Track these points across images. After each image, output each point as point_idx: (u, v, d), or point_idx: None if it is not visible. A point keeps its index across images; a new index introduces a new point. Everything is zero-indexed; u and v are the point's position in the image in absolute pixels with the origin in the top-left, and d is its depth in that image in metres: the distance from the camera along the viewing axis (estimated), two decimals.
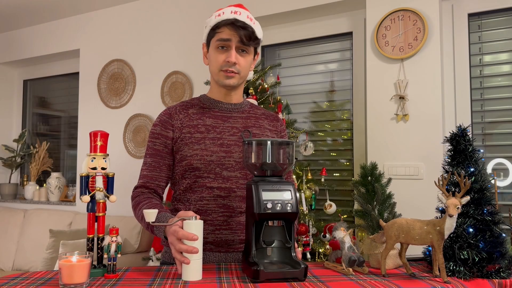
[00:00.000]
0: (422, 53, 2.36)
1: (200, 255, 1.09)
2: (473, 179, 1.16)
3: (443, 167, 1.23)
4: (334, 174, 2.80)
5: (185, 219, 1.10)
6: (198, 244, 1.08)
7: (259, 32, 1.41)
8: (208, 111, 1.44)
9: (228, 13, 1.36)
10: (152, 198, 1.37)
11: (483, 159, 1.22)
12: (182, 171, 1.38)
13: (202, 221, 1.11)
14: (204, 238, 1.34)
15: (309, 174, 2.47)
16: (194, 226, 1.09)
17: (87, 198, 1.12)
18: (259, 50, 1.50)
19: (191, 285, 1.02)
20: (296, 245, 1.19)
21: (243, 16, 1.36)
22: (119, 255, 1.11)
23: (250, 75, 1.53)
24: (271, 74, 2.67)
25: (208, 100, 1.47)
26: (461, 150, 1.20)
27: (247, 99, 1.57)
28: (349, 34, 2.81)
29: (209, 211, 1.35)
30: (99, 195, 1.14)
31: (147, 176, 1.41)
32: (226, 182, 1.36)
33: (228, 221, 1.34)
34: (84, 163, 1.14)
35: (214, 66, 1.41)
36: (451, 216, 1.04)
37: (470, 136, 1.23)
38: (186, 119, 1.41)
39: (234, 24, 1.34)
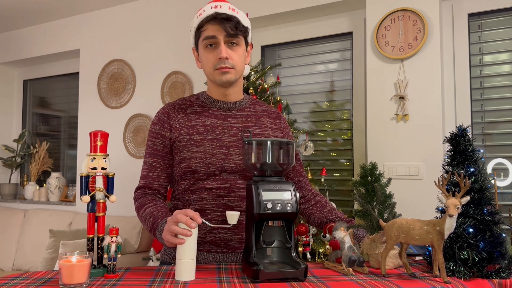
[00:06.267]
0: (422, 53, 2.36)
1: (194, 255, 1.09)
2: (473, 179, 1.16)
3: (443, 167, 1.23)
4: (334, 174, 2.80)
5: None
6: (193, 240, 1.09)
7: (244, 20, 1.36)
8: (207, 110, 1.41)
9: (208, 10, 1.32)
10: (157, 201, 1.36)
11: (483, 159, 1.22)
12: (181, 173, 1.37)
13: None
14: (202, 237, 1.33)
15: (309, 174, 2.47)
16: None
17: (87, 198, 1.12)
18: (251, 41, 1.46)
19: (191, 285, 1.02)
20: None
21: (224, 8, 1.32)
22: (119, 255, 1.10)
23: (247, 70, 1.49)
24: (271, 74, 2.67)
25: (207, 99, 1.43)
26: (461, 150, 1.20)
27: (248, 95, 1.54)
28: (349, 34, 2.81)
29: (208, 210, 1.34)
30: (99, 195, 1.14)
31: (149, 177, 1.40)
32: (226, 182, 1.35)
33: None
34: (84, 163, 1.14)
35: (207, 67, 1.36)
36: (451, 216, 1.04)
37: (470, 136, 1.23)
38: (184, 119, 1.39)
39: (216, 18, 1.30)
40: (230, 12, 1.31)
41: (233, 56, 1.34)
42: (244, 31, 1.35)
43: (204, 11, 1.33)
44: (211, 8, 1.32)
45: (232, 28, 1.31)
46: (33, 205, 3.95)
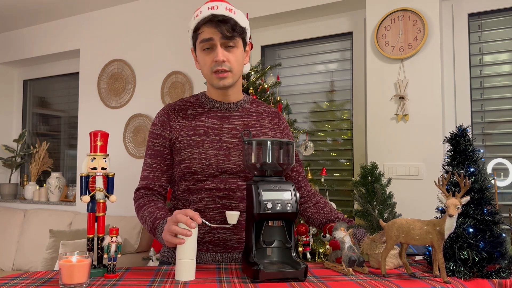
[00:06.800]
0: (422, 53, 2.36)
1: (194, 255, 1.09)
2: (473, 179, 1.16)
3: (443, 167, 1.23)
4: (334, 174, 2.80)
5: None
6: (193, 240, 1.09)
7: (242, 21, 1.33)
8: (207, 111, 1.41)
9: (205, 11, 1.30)
10: (157, 201, 1.36)
11: (483, 159, 1.22)
12: (180, 174, 1.37)
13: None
14: (201, 237, 1.34)
15: (309, 174, 2.48)
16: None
17: (87, 198, 1.12)
18: (251, 40, 1.44)
19: (191, 285, 1.02)
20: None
21: (221, 9, 1.29)
22: (119, 255, 1.11)
23: (247, 68, 1.47)
24: (271, 74, 2.67)
25: (207, 100, 1.43)
26: (461, 150, 1.20)
27: (247, 95, 1.53)
28: (349, 34, 2.81)
29: (207, 210, 1.34)
30: (99, 195, 1.14)
31: (149, 178, 1.40)
32: (225, 183, 1.35)
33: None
34: (84, 163, 1.14)
35: (205, 69, 1.35)
36: (451, 216, 1.04)
37: (470, 136, 1.23)
38: (184, 120, 1.39)
39: (213, 21, 1.28)
40: (226, 13, 1.29)
41: (230, 58, 1.33)
42: (241, 33, 1.34)
43: (201, 12, 1.31)
44: (208, 9, 1.30)
45: (228, 30, 1.29)
46: (33, 205, 3.95)
